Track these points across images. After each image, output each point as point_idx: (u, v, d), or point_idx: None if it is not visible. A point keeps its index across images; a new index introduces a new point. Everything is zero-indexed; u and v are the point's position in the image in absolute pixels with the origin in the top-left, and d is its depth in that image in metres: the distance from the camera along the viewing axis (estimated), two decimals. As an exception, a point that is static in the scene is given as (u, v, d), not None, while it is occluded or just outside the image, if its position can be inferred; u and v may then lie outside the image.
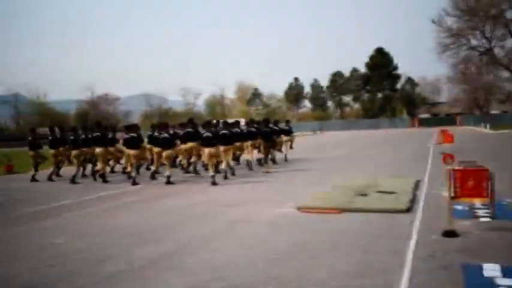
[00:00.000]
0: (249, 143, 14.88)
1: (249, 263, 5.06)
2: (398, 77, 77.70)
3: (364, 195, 8.62)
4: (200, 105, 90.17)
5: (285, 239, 5.99)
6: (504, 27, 48.98)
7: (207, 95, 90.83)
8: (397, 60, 77.47)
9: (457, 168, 5.71)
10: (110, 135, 14.31)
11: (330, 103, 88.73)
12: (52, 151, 14.75)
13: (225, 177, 12.62)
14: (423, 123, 65.04)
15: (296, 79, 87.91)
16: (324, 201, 8.24)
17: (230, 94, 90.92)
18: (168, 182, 12.24)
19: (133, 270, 5.03)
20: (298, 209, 7.80)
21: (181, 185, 12.14)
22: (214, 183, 11.63)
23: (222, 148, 12.55)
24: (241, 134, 14.56)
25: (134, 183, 12.48)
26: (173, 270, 4.95)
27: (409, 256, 5.00)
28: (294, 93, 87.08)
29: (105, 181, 13.36)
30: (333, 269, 4.75)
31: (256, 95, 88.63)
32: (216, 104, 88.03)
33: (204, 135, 12.68)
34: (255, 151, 15.69)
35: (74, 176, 13.69)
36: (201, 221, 7.43)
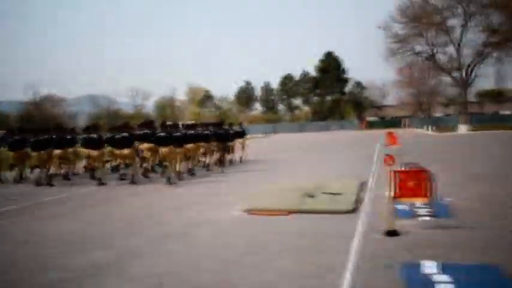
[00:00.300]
0: (205, 145, 15.18)
1: (197, 267, 5.03)
2: (347, 80, 79.72)
3: (312, 196, 8.77)
4: (150, 106, 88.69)
5: (233, 242, 6.00)
6: (446, 35, 51.35)
7: (157, 97, 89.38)
8: (346, 64, 79.57)
9: (398, 169, 5.92)
10: (69, 137, 14.23)
11: (280, 106, 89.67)
12: (12, 153, 14.22)
13: (169, 181, 12.28)
14: (371, 125, 67.17)
15: (247, 82, 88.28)
16: (273, 203, 8.31)
17: (181, 96, 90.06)
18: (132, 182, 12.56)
19: (75, 279, 4.86)
20: (247, 211, 7.82)
21: (141, 186, 12.07)
22: (169, 182, 11.94)
23: (176, 149, 12.71)
24: (196, 136, 14.70)
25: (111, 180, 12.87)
26: (119, 277, 4.83)
27: (353, 256, 5.13)
28: (245, 96, 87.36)
29: (50, 184, 13.01)
30: (281, 270, 4.80)
31: (207, 97, 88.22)
32: (166, 105, 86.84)
33: (159, 135, 12.85)
34: (213, 153, 16.06)
35: (49, 178, 13.32)
36: (150, 225, 7.30)
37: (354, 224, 6.62)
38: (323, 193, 9.00)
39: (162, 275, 4.82)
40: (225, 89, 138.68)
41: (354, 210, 7.54)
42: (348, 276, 4.49)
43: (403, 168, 6.67)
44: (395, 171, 5.87)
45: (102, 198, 10.46)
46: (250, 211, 7.80)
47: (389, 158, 5.75)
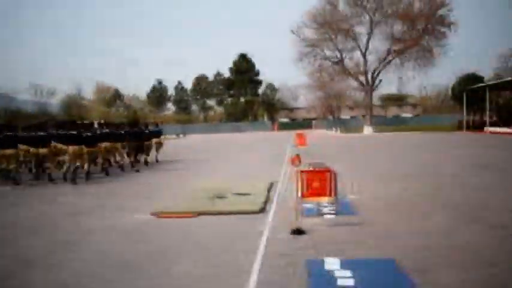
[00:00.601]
0: (118, 144, 14.92)
1: (101, 275, 4.79)
2: (260, 82, 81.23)
3: (222, 197, 8.78)
4: (55, 105, 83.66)
5: (140, 247, 5.81)
6: (353, 41, 54.29)
7: (63, 94, 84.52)
8: (259, 66, 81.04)
9: (304, 169, 6.10)
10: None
11: (194, 106, 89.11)
12: None
13: (66, 178, 12.26)
14: (282, 127, 69.07)
15: (159, 81, 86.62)
16: (182, 205, 8.20)
17: (89, 94, 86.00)
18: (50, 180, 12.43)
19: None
20: (155, 214, 7.63)
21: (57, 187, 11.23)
22: (75, 182, 11.81)
23: (85, 149, 12.46)
24: (110, 135, 14.35)
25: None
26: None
27: (260, 255, 5.20)
28: (157, 95, 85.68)
29: None
30: (189, 273, 4.73)
31: (117, 96, 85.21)
32: (72, 104, 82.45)
33: (68, 134, 12.49)
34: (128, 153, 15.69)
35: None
36: (52, 231, 6.85)
37: (262, 224, 6.72)
38: (233, 194, 9.05)
39: (64, 284, 4.54)
40: (136, 88, 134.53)
41: (262, 210, 7.65)
42: (253, 277, 4.53)
43: (309, 168, 6.90)
44: (301, 171, 6.05)
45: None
46: (158, 214, 7.62)
47: (296, 159, 5.91)
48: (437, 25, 51.05)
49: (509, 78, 41.66)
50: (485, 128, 39.52)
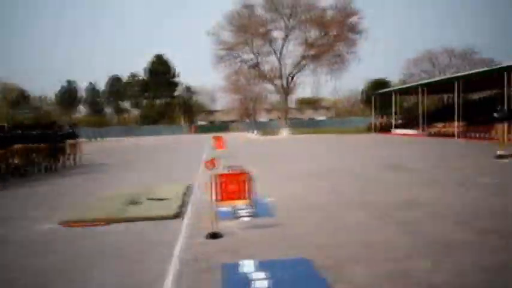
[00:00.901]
0: (32, 146, 14.43)
1: None
2: (177, 84, 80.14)
3: (136, 203, 8.52)
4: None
5: (44, 262, 5.45)
6: (269, 45, 55.49)
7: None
8: (176, 68, 79.92)
9: (220, 172, 6.09)
10: None
11: (108, 108, 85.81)
12: None
13: None
14: (201, 130, 68.70)
15: (69, 81, 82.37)
16: (93, 213, 7.84)
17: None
18: None
19: None
20: (63, 223, 7.22)
21: None
22: None
23: None
24: (22, 137, 13.60)
25: None
26: None
27: (175, 262, 5.10)
28: (67, 96, 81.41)
29: None
30: (101, 286, 4.53)
31: (22, 97, 79.77)
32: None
33: None
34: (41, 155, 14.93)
35: None
36: None
37: (178, 229, 6.61)
38: (148, 199, 8.83)
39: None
40: (44, 88, 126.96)
41: (178, 215, 7.54)
42: (168, 284, 4.44)
43: (226, 171, 6.90)
44: (217, 175, 6.04)
45: None
46: (66, 223, 7.21)
47: (211, 162, 5.89)
48: (349, 32, 53.66)
49: (413, 84, 44.86)
50: (392, 130, 42.08)
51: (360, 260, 4.94)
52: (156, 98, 79.11)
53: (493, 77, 28.66)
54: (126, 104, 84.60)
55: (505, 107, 21.77)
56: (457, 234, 5.85)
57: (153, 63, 78.00)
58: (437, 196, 8.66)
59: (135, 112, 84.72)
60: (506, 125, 17.58)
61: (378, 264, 4.80)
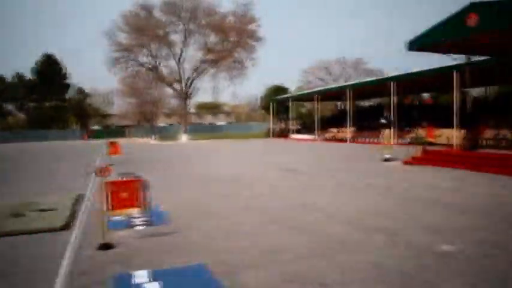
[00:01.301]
0: None
1: None
2: (68, 86, 75.83)
3: (19, 215, 7.90)
4: None
5: None
6: (168, 49, 54.65)
7: None
8: (69, 69, 75.70)
9: (111, 180, 5.87)
10: None
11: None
12: None
13: None
14: (95, 135, 65.66)
15: None
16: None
17: None
18: None
19: None
20: None
21: None
22: None
23: None
24: None
25: None
26: None
27: (63, 277, 4.81)
28: None
29: None
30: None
31: None
32: None
33: None
34: None
35: None
36: None
37: (66, 241, 6.24)
38: (32, 210, 8.22)
39: None
40: None
41: (66, 226, 7.11)
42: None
43: (119, 179, 6.66)
44: (108, 182, 5.80)
45: None
46: None
47: (103, 169, 5.65)
48: (248, 39, 54.68)
49: (309, 91, 46.96)
50: (290, 135, 43.63)
51: (256, 265, 5.03)
52: (46, 100, 74.12)
53: (381, 86, 30.97)
54: (9, 107, 78.25)
55: (391, 114, 23.64)
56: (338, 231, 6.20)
57: (41, 63, 73.07)
58: (329, 200, 9.12)
59: (22, 116, 78.70)
60: (391, 130, 19.07)
61: (273, 266, 4.93)
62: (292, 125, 46.34)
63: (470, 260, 5.00)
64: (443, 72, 22.30)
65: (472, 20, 12.46)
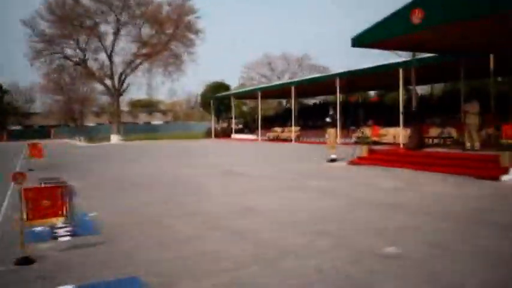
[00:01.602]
0: None
1: None
2: (-18, 81, 72.13)
3: None
4: None
5: None
6: (98, 41, 53.04)
7: None
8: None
9: (29, 187, 5.64)
10: None
11: None
12: None
13: None
14: (14, 136, 62.77)
15: None
16: None
17: None
18: None
19: None
20: None
21: None
22: None
23: None
24: None
25: None
26: None
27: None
28: None
29: None
30: None
31: None
32: None
33: None
34: None
35: None
36: None
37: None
38: None
39: None
40: None
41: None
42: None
43: (41, 185, 6.42)
44: (26, 189, 5.56)
45: None
46: None
47: (18, 175, 5.41)
48: (186, 31, 54.13)
49: (251, 88, 47.25)
50: (232, 135, 43.73)
51: (193, 274, 5.01)
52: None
53: (326, 83, 31.71)
54: None
55: (336, 113, 24.24)
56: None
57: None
58: (272, 202, 9.24)
59: None
60: (336, 130, 19.58)
61: (209, 276, 4.93)
62: (235, 124, 46.42)
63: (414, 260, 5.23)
64: (389, 70, 23.20)
65: (417, 16, 12.98)
